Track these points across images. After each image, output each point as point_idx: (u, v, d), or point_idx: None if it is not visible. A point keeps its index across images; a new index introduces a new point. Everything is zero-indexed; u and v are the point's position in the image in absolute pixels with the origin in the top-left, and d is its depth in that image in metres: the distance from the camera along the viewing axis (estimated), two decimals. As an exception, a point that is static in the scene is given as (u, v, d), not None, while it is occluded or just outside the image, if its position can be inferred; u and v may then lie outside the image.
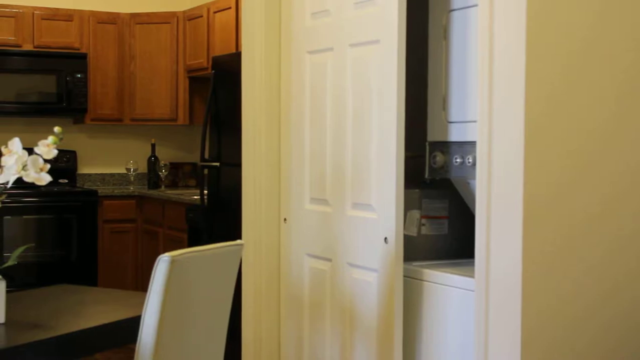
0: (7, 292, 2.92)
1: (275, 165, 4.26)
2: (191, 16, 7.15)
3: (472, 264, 3.13)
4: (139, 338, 2.74)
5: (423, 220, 3.63)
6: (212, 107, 5.71)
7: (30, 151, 2.90)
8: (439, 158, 3.53)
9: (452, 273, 3.34)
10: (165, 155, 7.78)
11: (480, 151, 3.04)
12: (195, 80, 7.26)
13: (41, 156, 2.90)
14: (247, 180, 4.41)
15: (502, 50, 2.97)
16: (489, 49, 3.00)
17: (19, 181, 2.90)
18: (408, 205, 3.53)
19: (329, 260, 3.85)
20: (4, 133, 6.78)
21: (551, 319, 2.98)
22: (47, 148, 2.90)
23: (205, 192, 5.78)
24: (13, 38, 7.01)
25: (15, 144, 2.89)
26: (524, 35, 2.88)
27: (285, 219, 4.21)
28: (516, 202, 2.91)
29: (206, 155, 5.79)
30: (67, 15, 7.21)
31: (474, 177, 3.25)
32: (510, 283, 2.94)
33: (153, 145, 7.67)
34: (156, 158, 7.62)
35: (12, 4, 7.06)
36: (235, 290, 3.12)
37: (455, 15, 3.46)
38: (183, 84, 7.32)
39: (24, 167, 2.88)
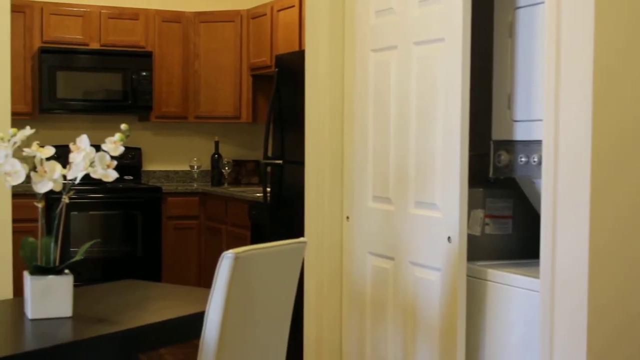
0: (74, 286, 2.97)
1: (338, 163, 4.26)
2: (255, 14, 7.19)
3: (537, 264, 3.09)
4: (202, 334, 2.76)
5: (487, 220, 3.60)
6: (275, 105, 5.73)
7: (96, 148, 2.94)
8: (504, 157, 3.49)
9: (516, 273, 3.30)
10: (229, 152, 7.84)
11: (546, 150, 3.00)
12: (259, 78, 7.29)
13: (108, 153, 2.94)
14: (310, 178, 4.42)
15: (569, 48, 2.92)
16: (556, 47, 2.96)
17: (86, 177, 2.94)
18: (472, 204, 3.50)
19: (392, 258, 3.84)
20: (71, 130, 6.92)
21: (618, 319, 2.93)
22: (114, 145, 2.94)
23: (268, 189, 5.80)
24: (81, 37, 7.13)
25: (83, 140, 2.94)
26: (592, 33, 2.84)
27: (347, 217, 4.21)
28: (583, 202, 2.87)
29: (269, 153, 5.81)
30: (133, 14, 7.30)
31: (539, 177, 3.21)
32: (576, 284, 2.90)
33: (217, 143, 7.74)
34: (219, 155, 7.68)
35: (80, 4, 7.18)
36: (298, 288, 3.13)
37: (521, 13, 3.42)
38: (246, 82, 7.36)
39: (92, 164, 2.92)
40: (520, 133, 3.42)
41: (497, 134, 3.55)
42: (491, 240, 3.62)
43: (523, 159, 3.39)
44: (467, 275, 3.42)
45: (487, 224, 3.60)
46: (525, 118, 3.39)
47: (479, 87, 3.53)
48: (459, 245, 3.38)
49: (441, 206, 3.49)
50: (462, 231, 3.38)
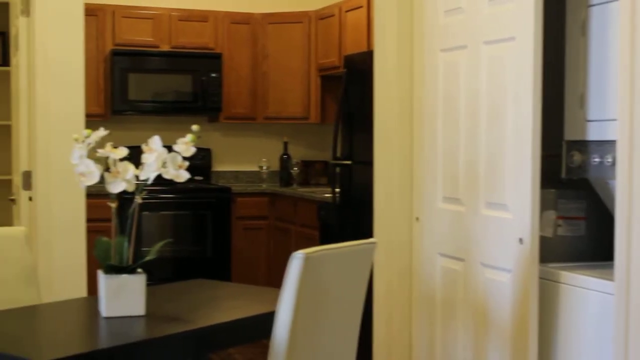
0: (146, 285, 3.01)
1: (407, 164, 4.25)
2: (323, 15, 7.20)
3: (611, 266, 3.04)
4: (272, 334, 2.77)
5: (559, 221, 3.54)
6: (343, 105, 5.74)
7: (167, 149, 2.98)
8: (577, 157, 3.44)
9: (589, 275, 3.25)
10: (297, 153, 7.87)
11: (621, 150, 2.95)
12: (327, 79, 7.31)
13: (180, 154, 2.97)
14: (379, 179, 4.41)
15: (644, 46, 2.87)
16: (630, 45, 2.91)
17: (157, 178, 2.98)
18: (543, 206, 3.46)
19: (462, 260, 3.81)
20: (142, 131, 7.02)
21: (695, 325, 2.86)
22: (185, 146, 2.97)
23: (337, 190, 5.81)
24: (151, 39, 7.23)
25: (155, 141, 2.97)
26: (669, 30, 2.78)
27: (417, 218, 4.19)
28: (659, 203, 2.81)
29: (338, 154, 5.82)
30: (202, 16, 7.38)
31: (613, 177, 3.15)
32: (651, 287, 2.84)
33: (285, 144, 7.77)
34: (288, 156, 7.72)
35: (150, 6, 7.28)
36: (367, 289, 3.13)
37: (595, 10, 3.36)
38: (315, 82, 7.38)
39: (164, 165, 2.96)
40: (594, 133, 3.36)
41: (569, 134, 3.50)
42: (563, 242, 3.56)
43: (596, 160, 3.34)
44: (539, 277, 3.37)
45: (559, 226, 3.55)
46: (598, 118, 3.34)
47: (550, 86, 3.49)
48: (531, 246, 3.34)
49: (512, 207, 3.45)
50: (534, 233, 3.34)
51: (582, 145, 3.42)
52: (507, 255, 3.48)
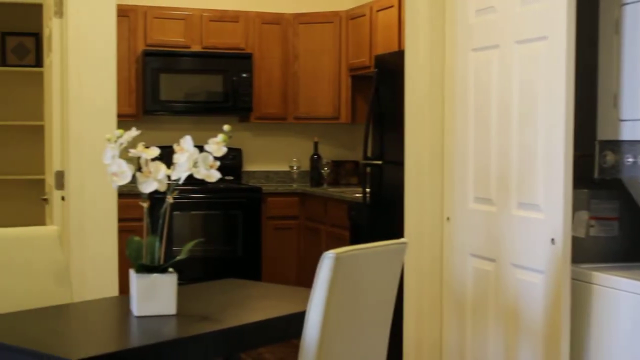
0: (177, 285, 3.02)
1: (438, 164, 4.23)
2: (354, 15, 7.19)
3: (645, 267, 3.02)
4: (303, 333, 2.77)
5: (591, 221, 3.52)
6: (374, 105, 5.73)
7: (198, 149, 2.98)
8: (610, 157, 3.41)
9: (622, 276, 3.22)
10: (328, 153, 7.86)
11: (655, 150, 2.92)
12: (358, 79, 7.30)
13: (211, 154, 2.98)
14: (410, 179, 4.40)
15: (679, 44, 2.84)
16: (665, 44, 2.88)
17: (188, 177, 2.99)
18: (576, 206, 3.43)
19: (493, 260, 3.79)
20: (174, 131, 7.05)
21: None
22: (216, 146, 2.98)
23: (368, 190, 5.80)
24: (183, 40, 7.26)
25: (187, 141, 2.98)
26: None
27: (448, 218, 4.18)
28: (693, 204, 2.78)
29: (369, 154, 5.81)
30: (233, 17, 7.40)
31: (647, 177, 3.13)
32: (686, 288, 2.81)
33: (316, 144, 7.77)
34: (319, 156, 7.71)
35: (182, 7, 7.31)
36: (398, 289, 3.12)
37: (629, 9, 3.33)
38: (345, 82, 7.37)
39: (195, 164, 2.96)
40: (627, 133, 3.34)
41: (602, 134, 3.47)
42: (596, 243, 3.54)
43: (630, 160, 3.31)
44: (571, 278, 3.34)
45: (591, 226, 3.52)
46: (632, 117, 3.31)
47: (583, 85, 3.46)
48: (563, 247, 3.31)
49: (544, 207, 3.43)
50: (566, 233, 3.32)
51: (615, 145, 3.39)
52: (539, 255, 3.45)
